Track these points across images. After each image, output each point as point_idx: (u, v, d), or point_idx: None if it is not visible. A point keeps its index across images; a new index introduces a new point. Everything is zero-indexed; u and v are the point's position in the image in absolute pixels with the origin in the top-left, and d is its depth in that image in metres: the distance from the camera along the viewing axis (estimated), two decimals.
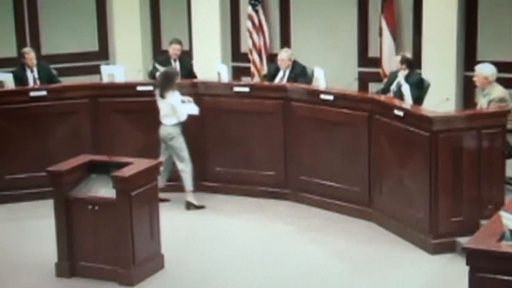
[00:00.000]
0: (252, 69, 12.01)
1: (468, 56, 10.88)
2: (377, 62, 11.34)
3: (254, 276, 7.02)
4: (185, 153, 8.61)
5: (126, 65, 10.41)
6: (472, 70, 8.35)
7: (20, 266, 7.34)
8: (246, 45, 12.21)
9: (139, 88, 9.32)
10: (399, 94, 8.78)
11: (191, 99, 8.76)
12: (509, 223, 4.90)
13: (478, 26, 10.94)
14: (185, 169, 8.63)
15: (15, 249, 7.79)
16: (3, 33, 12.58)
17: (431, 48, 10.58)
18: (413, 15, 11.28)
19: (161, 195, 8.44)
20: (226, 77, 9.46)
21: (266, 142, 8.95)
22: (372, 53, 11.59)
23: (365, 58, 11.74)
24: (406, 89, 8.76)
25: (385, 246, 7.65)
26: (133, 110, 9.26)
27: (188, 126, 9.21)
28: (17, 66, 10.16)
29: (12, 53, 12.48)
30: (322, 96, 8.58)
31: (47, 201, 7.52)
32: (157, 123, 9.23)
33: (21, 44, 12.56)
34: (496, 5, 10.85)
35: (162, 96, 8.55)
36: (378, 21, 11.36)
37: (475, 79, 8.07)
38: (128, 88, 9.38)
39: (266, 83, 9.69)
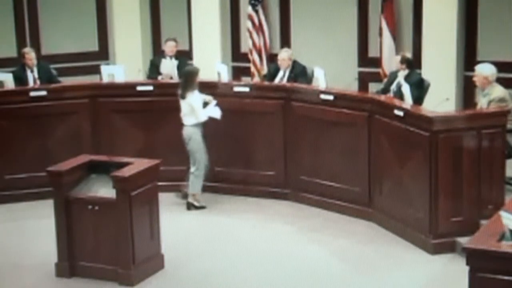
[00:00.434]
0: (252, 69, 12.00)
1: (468, 56, 10.88)
2: (377, 62, 11.34)
3: (254, 276, 7.03)
4: (199, 155, 8.59)
5: (126, 65, 10.41)
6: (472, 70, 8.35)
7: (20, 266, 7.34)
8: (246, 45, 12.21)
9: (139, 88, 9.32)
10: (399, 94, 8.78)
11: (212, 99, 8.69)
12: (509, 223, 4.90)
13: (478, 26, 10.94)
14: (195, 172, 8.63)
15: (15, 249, 7.79)
16: (3, 33, 12.58)
17: (431, 48, 10.58)
18: (413, 15, 11.27)
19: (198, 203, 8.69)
20: (226, 77, 9.46)
21: (266, 142, 8.95)
22: (372, 53, 11.59)
23: (365, 58, 11.74)
24: (406, 89, 8.76)
25: (385, 246, 7.65)
26: (133, 110, 9.26)
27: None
28: (17, 66, 10.17)
29: (12, 53, 12.47)
30: (322, 96, 8.58)
31: (47, 201, 7.52)
32: (156, 123, 9.26)
33: (21, 44, 12.55)
34: (496, 5, 10.85)
35: (183, 96, 8.53)
36: (378, 21, 11.36)
37: (475, 79, 8.07)
38: (128, 88, 9.38)
39: (266, 83, 9.69)
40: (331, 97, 8.52)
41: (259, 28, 12.05)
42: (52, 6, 12.76)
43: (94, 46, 13.01)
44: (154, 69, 10.33)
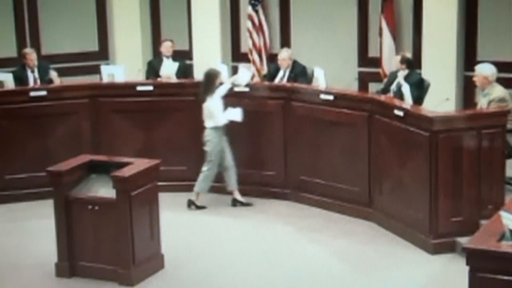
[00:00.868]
0: (252, 69, 12.00)
1: (468, 56, 10.87)
2: (377, 62, 11.34)
3: (254, 276, 7.03)
4: (214, 157, 8.58)
5: (126, 65, 10.41)
6: (472, 70, 8.35)
7: (20, 266, 7.34)
8: (246, 45, 12.21)
9: (139, 88, 9.32)
10: (399, 94, 8.77)
11: (247, 76, 8.74)
12: (509, 223, 4.90)
13: (478, 26, 10.93)
14: (206, 171, 8.62)
15: (15, 249, 7.80)
16: (3, 33, 12.58)
17: (431, 48, 10.57)
18: (413, 15, 11.27)
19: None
20: (226, 77, 9.45)
21: (266, 142, 8.95)
22: (372, 53, 11.58)
23: (365, 58, 11.74)
24: (406, 89, 8.76)
25: (385, 246, 7.65)
26: (133, 110, 9.27)
27: (188, 127, 9.23)
28: (17, 66, 10.16)
29: (12, 53, 12.48)
30: (322, 96, 8.58)
31: (47, 201, 7.52)
32: (156, 123, 9.27)
33: (21, 44, 12.56)
34: (496, 5, 10.85)
35: (203, 100, 8.54)
36: (378, 21, 11.36)
37: (475, 79, 8.07)
38: (128, 88, 9.38)
39: (266, 83, 9.69)
40: (331, 97, 8.52)
41: (259, 28, 12.05)
42: (52, 6, 12.76)
43: (94, 46, 13.01)
44: (151, 71, 10.32)
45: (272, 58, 10.99)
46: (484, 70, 7.98)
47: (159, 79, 10.14)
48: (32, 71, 9.94)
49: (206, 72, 8.75)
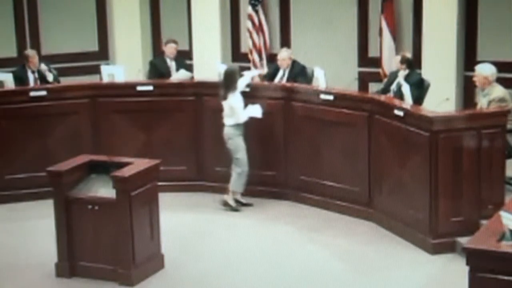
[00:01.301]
0: (252, 69, 12.00)
1: (468, 56, 10.87)
2: (377, 62, 11.34)
3: (254, 276, 7.03)
4: (240, 155, 8.55)
5: (126, 65, 10.41)
6: (472, 70, 8.35)
7: (20, 266, 7.34)
8: (246, 45, 12.21)
9: (139, 88, 9.32)
10: (399, 94, 8.77)
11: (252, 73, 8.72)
12: (509, 223, 4.90)
13: (478, 26, 10.93)
14: (238, 170, 8.58)
15: (15, 249, 7.79)
16: (3, 33, 12.58)
17: (431, 48, 10.57)
18: (413, 15, 11.27)
19: (243, 199, 8.65)
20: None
21: (266, 142, 8.94)
22: (372, 53, 11.59)
23: (365, 58, 11.74)
24: (406, 89, 8.76)
25: (385, 246, 7.65)
26: (133, 110, 9.26)
27: (188, 127, 9.24)
28: (18, 66, 10.16)
29: (12, 53, 12.49)
30: (322, 96, 8.58)
31: (47, 201, 7.51)
32: (156, 123, 9.26)
33: (21, 44, 12.57)
34: (496, 5, 10.85)
35: (225, 97, 8.52)
36: (378, 21, 11.36)
37: (475, 79, 8.07)
38: (128, 88, 9.38)
39: (266, 83, 9.68)
40: (331, 97, 8.52)
41: (259, 28, 12.05)
42: (52, 6, 12.77)
43: (94, 46, 13.01)
44: (153, 71, 10.30)
45: (272, 58, 10.98)
46: (484, 70, 7.98)
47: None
48: (33, 72, 9.94)
49: (226, 70, 8.78)
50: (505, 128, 7.53)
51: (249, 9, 12.05)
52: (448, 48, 10.56)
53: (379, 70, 11.26)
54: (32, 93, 9.21)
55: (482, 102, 7.95)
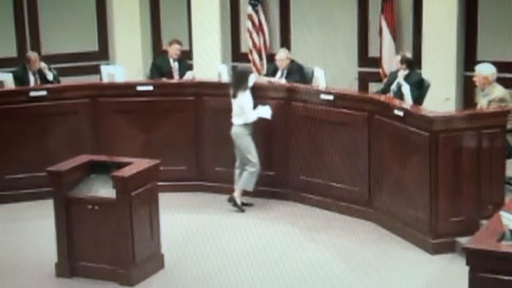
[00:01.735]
0: (252, 69, 11.99)
1: (468, 56, 10.87)
2: (377, 62, 11.34)
3: (254, 276, 7.02)
4: (250, 154, 8.53)
5: (126, 65, 10.41)
6: (472, 70, 8.35)
7: (20, 266, 7.33)
8: (246, 45, 12.21)
9: (139, 88, 9.32)
10: (399, 94, 8.77)
11: (255, 76, 8.69)
12: (509, 223, 4.90)
13: (478, 26, 10.93)
14: (250, 169, 8.55)
15: (15, 249, 7.79)
16: (3, 33, 12.58)
17: (431, 48, 10.57)
18: (413, 15, 11.27)
19: (243, 199, 8.60)
20: (226, 77, 9.46)
21: (266, 142, 8.94)
22: (372, 53, 11.59)
23: (365, 58, 11.74)
24: (406, 89, 8.75)
25: (385, 246, 7.65)
26: (133, 110, 9.27)
27: (188, 127, 9.23)
28: (18, 66, 10.16)
29: (12, 53, 12.49)
30: (322, 96, 8.58)
31: (47, 201, 7.52)
32: (156, 123, 9.26)
33: (21, 44, 12.57)
34: (496, 5, 10.84)
35: (234, 95, 8.51)
36: (378, 21, 11.36)
37: (475, 79, 8.07)
38: (128, 88, 9.38)
39: (266, 83, 9.66)
40: (331, 97, 8.52)
41: (259, 28, 12.05)
42: (52, 6, 12.76)
43: (94, 46, 13.01)
44: (155, 71, 10.30)
45: (272, 58, 10.96)
46: (484, 70, 7.98)
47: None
48: (34, 73, 9.94)
49: (239, 69, 8.85)
50: (505, 128, 7.53)
51: (249, 9, 12.04)
52: (448, 48, 10.56)
53: (379, 70, 11.26)
54: (32, 93, 9.21)
55: (482, 102, 7.95)
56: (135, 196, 6.81)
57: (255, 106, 8.62)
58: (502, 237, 4.89)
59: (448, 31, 10.54)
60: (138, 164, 7.07)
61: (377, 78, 11.10)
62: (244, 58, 12.20)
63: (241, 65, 8.71)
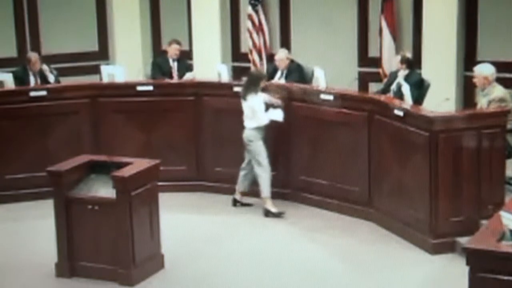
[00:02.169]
0: (252, 69, 11.99)
1: (468, 56, 10.87)
2: (377, 62, 11.34)
3: (254, 276, 7.03)
4: (262, 158, 8.44)
5: (126, 65, 10.41)
6: (472, 70, 8.34)
7: (20, 266, 7.33)
8: (246, 45, 12.21)
9: (139, 88, 9.33)
10: (399, 94, 8.77)
11: (279, 102, 8.53)
12: (509, 223, 4.90)
13: (478, 26, 10.93)
14: (262, 174, 8.46)
15: (15, 249, 7.80)
16: (3, 33, 12.58)
17: (431, 48, 10.57)
18: (413, 15, 11.27)
19: (245, 199, 8.59)
20: (226, 77, 9.46)
21: (266, 142, 8.93)
22: (372, 53, 11.58)
23: (365, 58, 11.74)
24: (406, 89, 8.75)
25: (385, 246, 7.65)
26: (133, 110, 9.27)
27: (188, 127, 9.23)
28: (18, 66, 10.16)
29: (12, 53, 12.49)
30: (322, 96, 8.58)
31: (47, 201, 7.52)
32: (156, 123, 9.26)
33: (21, 44, 12.57)
34: (496, 5, 10.84)
35: (244, 97, 8.43)
36: (378, 21, 11.36)
37: (475, 80, 8.06)
38: (128, 88, 9.38)
39: (266, 83, 9.66)
40: (331, 97, 8.52)
41: (259, 28, 12.05)
42: (52, 6, 12.76)
43: (94, 46, 13.01)
44: (157, 70, 10.30)
45: (272, 58, 10.97)
46: (484, 71, 7.98)
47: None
48: (34, 74, 9.94)
49: (251, 72, 8.78)
50: (505, 128, 7.53)
51: (249, 9, 12.04)
52: (448, 48, 10.56)
53: (379, 70, 11.26)
54: (32, 93, 9.21)
55: (482, 102, 7.95)
56: (135, 196, 6.81)
57: (266, 109, 8.52)
58: (502, 237, 4.89)
59: (448, 31, 10.54)
60: (138, 164, 7.07)
61: (377, 78, 11.10)
62: (244, 58, 12.20)
63: (257, 69, 8.66)
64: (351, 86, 9.68)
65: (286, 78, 9.45)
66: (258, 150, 8.47)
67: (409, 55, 9.29)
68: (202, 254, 7.55)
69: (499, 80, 8.01)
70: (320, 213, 8.58)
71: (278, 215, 8.47)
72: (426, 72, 10.06)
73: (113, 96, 9.33)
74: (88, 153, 7.85)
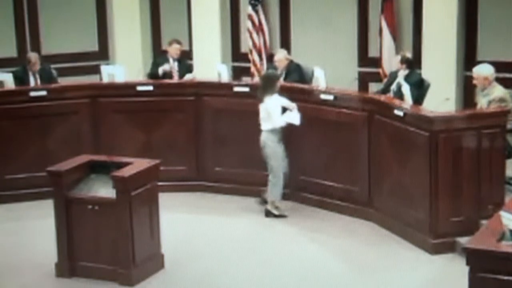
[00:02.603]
0: (252, 69, 12.00)
1: (468, 56, 10.87)
2: (377, 62, 11.34)
3: (254, 276, 7.03)
4: (274, 161, 8.34)
5: (126, 65, 10.41)
6: (472, 70, 8.34)
7: (20, 266, 7.34)
8: (246, 45, 12.21)
9: (139, 88, 9.32)
10: (399, 94, 8.77)
11: (294, 106, 8.39)
12: (509, 223, 4.90)
13: (478, 26, 10.93)
14: (272, 179, 8.39)
15: (15, 249, 7.80)
16: (3, 33, 12.58)
17: (431, 48, 10.57)
18: (413, 15, 11.27)
19: (277, 210, 8.45)
20: (226, 77, 9.46)
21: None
22: (372, 53, 11.58)
23: (365, 58, 11.73)
24: (406, 89, 8.75)
25: (385, 246, 7.65)
26: (133, 110, 9.26)
27: (188, 127, 9.23)
28: (18, 66, 10.16)
29: (12, 53, 12.49)
30: (322, 96, 8.58)
31: (47, 201, 7.52)
32: (156, 123, 9.26)
33: (21, 44, 12.57)
34: (496, 5, 10.84)
35: (262, 99, 8.34)
36: (378, 21, 11.35)
37: (475, 81, 8.05)
38: (128, 88, 9.38)
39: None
40: (331, 97, 8.52)
41: (259, 28, 12.05)
42: (52, 6, 12.76)
43: (94, 46, 13.01)
44: (156, 69, 10.29)
45: (272, 58, 10.98)
46: (484, 71, 7.98)
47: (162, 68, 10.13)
48: (34, 74, 9.94)
49: (266, 73, 8.74)
50: (505, 128, 7.53)
51: (249, 9, 12.04)
52: (448, 48, 10.56)
53: (379, 70, 11.25)
54: (32, 93, 9.21)
55: (482, 102, 7.95)
56: (135, 196, 6.81)
57: (283, 112, 8.41)
58: (502, 237, 4.89)
59: (448, 31, 10.54)
60: (138, 164, 7.07)
61: (377, 78, 11.09)
62: (244, 58, 12.20)
63: (269, 70, 8.63)
64: (351, 86, 9.68)
65: (286, 78, 9.45)
66: (271, 154, 8.36)
67: (409, 55, 9.29)
68: (202, 254, 7.55)
69: (499, 80, 8.01)
70: (320, 213, 8.58)
71: (279, 217, 8.45)
72: (426, 72, 10.05)
73: (113, 96, 9.33)
74: (88, 153, 7.85)
